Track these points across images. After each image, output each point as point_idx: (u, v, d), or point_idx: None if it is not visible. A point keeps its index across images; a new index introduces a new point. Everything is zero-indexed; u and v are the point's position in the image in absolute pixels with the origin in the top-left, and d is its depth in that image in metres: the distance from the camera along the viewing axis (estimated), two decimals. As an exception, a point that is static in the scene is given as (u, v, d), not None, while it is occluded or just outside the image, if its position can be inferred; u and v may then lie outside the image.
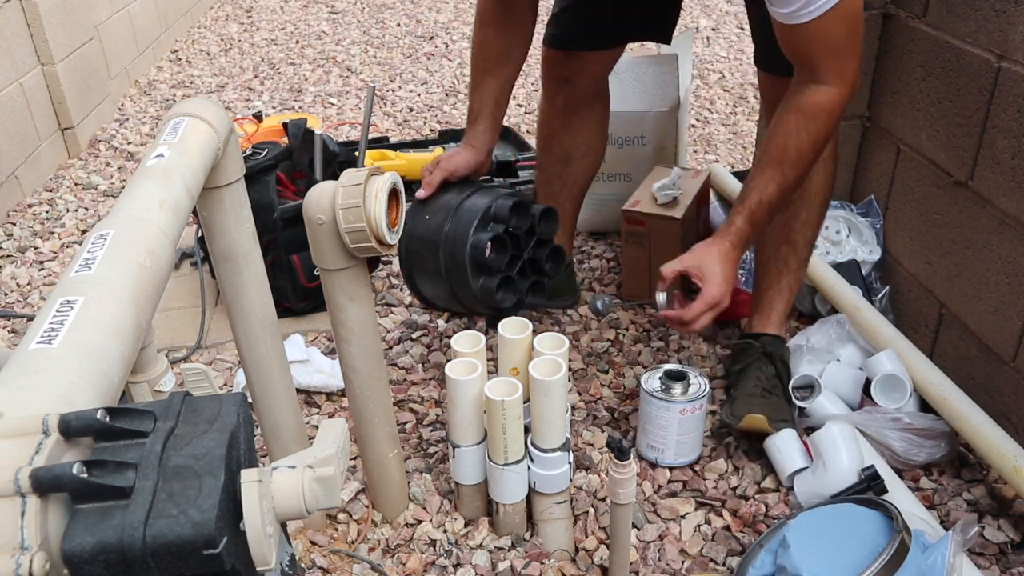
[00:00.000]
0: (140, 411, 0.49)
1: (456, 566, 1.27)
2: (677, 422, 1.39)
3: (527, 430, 1.26)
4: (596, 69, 1.69)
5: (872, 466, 1.28)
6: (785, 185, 1.29)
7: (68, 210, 2.50)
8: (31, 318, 1.97)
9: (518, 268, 1.47)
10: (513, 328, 1.33)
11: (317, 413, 1.61)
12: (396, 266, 2.10)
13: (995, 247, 1.42)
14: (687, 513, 1.36)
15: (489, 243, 1.40)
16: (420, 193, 1.49)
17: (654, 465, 1.45)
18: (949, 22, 1.51)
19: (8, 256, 2.26)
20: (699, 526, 1.34)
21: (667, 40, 1.69)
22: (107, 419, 0.47)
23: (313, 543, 1.32)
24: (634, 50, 3.70)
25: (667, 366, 1.46)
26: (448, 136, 2.64)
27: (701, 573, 1.26)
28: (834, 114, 1.25)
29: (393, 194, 1.09)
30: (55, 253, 2.27)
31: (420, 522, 1.35)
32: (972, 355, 1.49)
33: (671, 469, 1.44)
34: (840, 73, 1.22)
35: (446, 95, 3.38)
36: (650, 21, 1.66)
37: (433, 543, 1.31)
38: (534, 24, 1.54)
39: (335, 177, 1.10)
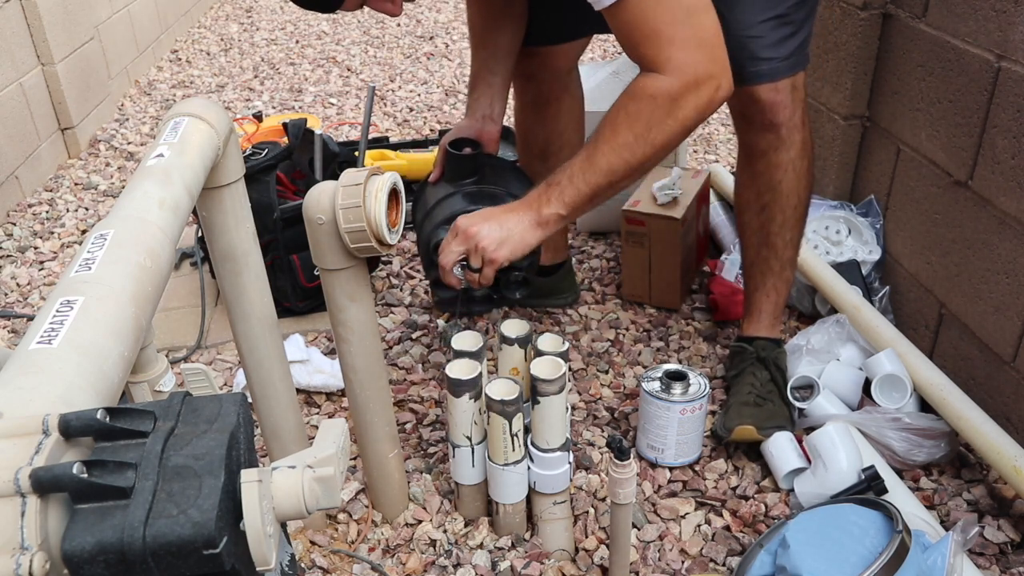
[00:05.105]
0: (140, 411, 0.49)
1: (456, 566, 1.27)
2: (677, 422, 1.39)
3: (527, 430, 1.26)
4: (558, 63, 1.67)
5: (872, 466, 1.28)
6: (595, 155, 1.17)
7: (68, 210, 2.50)
8: (31, 318, 1.97)
9: None
10: (513, 328, 1.33)
11: (317, 413, 1.61)
12: (396, 266, 2.10)
13: (995, 247, 1.42)
14: (687, 513, 1.36)
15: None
16: (431, 177, 1.53)
17: (654, 465, 1.45)
18: (949, 22, 1.51)
19: (8, 256, 2.26)
20: (699, 526, 1.34)
21: None
22: (107, 419, 0.47)
23: (313, 543, 1.32)
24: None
25: (667, 366, 1.46)
26: (448, 136, 2.64)
27: (701, 573, 1.26)
28: (660, 100, 1.13)
29: (393, 194, 1.09)
30: (55, 253, 2.27)
31: (420, 522, 1.35)
32: (972, 355, 1.49)
33: (671, 469, 1.44)
34: (668, 63, 1.12)
35: (446, 95, 3.38)
36: None
37: (433, 543, 1.31)
38: None
39: (335, 177, 1.10)
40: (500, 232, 1.20)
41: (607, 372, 1.70)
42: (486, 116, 1.55)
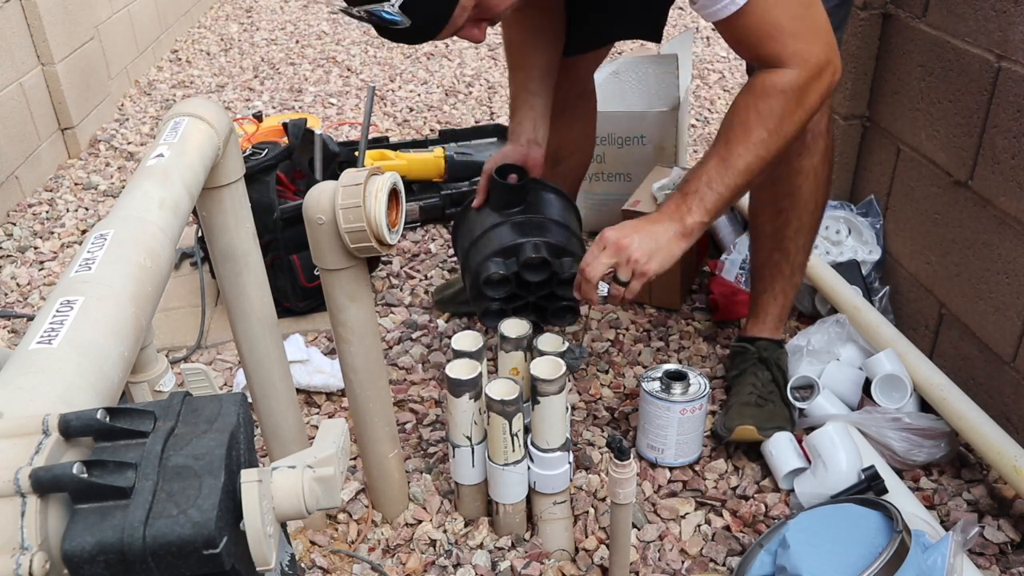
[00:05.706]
0: (140, 411, 0.49)
1: (456, 566, 1.27)
2: (677, 422, 1.39)
3: (527, 430, 1.26)
4: (582, 71, 1.67)
5: (872, 466, 1.28)
6: (730, 158, 1.19)
7: (68, 210, 2.50)
8: (31, 318, 1.97)
9: (519, 305, 1.42)
10: (513, 328, 1.33)
11: (317, 413, 1.61)
12: (396, 266, 2.10)
13: (995, 247, 1.42)
14: (687, 513, 1.36)
15: (498, 274, 1.36)
16: (475, 203, 1.52)
17: (654, 465, 1.45)
18: (949, 22, 1.51)
19: (8, 256, 2.26)
20: (699, 526, 1.34)
21: (657, 38, 1.61)
22: (107, 419, 0.47)
23: (313, 543, 1.32)
24: (634, 50, 3.69)
25: (667, 366, 1.46)
26: (448, 136, 2.64)
27: (701, 573, 1.26)
28: (791, 93, 1.16)
29: (393, 194, 1.09)
30: (55, 253, 2.27)
31: (420, 522, 1.35)
32: (972, 355, 1.49)
33: (671, 469, 1.44)
34: (793, 57, 1.15)
35: (446, 95, 3.38)
36: (635, 20, 1.60)
37: (433, 543, 1.31)
38: (558, 12, 1.53)
39: (335, 177, 1.10)
40: (651, 244, 1.20)
41: (607, 372, 1.70)
42: (531, 140, 1.53)
